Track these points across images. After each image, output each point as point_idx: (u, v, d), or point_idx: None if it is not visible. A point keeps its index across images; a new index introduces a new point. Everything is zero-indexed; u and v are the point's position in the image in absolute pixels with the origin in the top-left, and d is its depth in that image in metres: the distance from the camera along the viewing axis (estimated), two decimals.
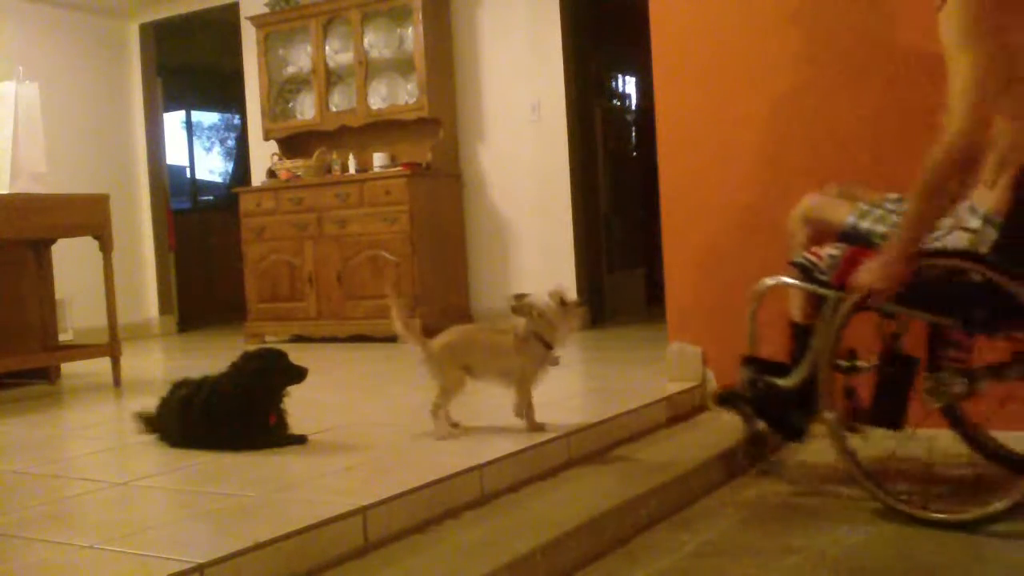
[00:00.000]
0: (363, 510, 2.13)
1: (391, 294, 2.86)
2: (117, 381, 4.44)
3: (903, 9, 3.29)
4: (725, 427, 3.14)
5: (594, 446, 2.95)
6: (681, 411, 3.41)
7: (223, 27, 7.51)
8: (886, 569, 2.21)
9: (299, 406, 3.25)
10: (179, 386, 2.99)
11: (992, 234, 2.32)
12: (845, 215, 2.63)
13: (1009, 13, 2.28)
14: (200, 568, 1.79)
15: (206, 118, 10.71)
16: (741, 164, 3.59)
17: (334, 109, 6.44)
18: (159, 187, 7.68)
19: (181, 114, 10.08)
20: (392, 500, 2.21)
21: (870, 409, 2.57)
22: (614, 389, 3.76)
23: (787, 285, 2.78)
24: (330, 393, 3.84)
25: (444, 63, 6.17)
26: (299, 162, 6.42)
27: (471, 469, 2.47)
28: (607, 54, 7.05)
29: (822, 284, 2.62)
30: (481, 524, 2.32)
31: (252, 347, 3.02)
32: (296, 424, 2.98)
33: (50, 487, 2.58)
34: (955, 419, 2.77)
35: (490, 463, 2.53)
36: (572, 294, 2.89)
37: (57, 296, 4.90)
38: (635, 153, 7.66)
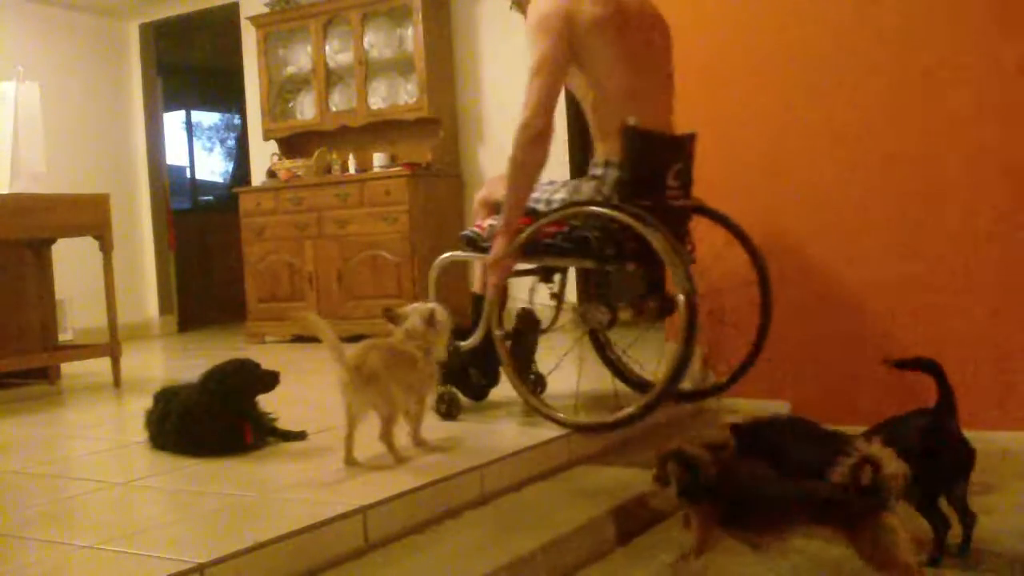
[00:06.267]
0: (363, 510, 2.13)
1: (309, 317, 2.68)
2: (117, 381, 4.44)
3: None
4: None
5: (595, 446, 2.95)
6: (682, 412, 3.40)
7: (223, 27, 7.51)
8: None
9: (299, 406, 3.25)
10: (158, 399, 2.95)
11: (614, 174, 2.77)
12: None
13: (573, 23, 2.74)
14: (200, 568, 1.79)
15: (206, 118, 10.70)
16: (740, 162, 3.58)
17: (334, 109, 6.44)
18: (159, 187, 7.68)
19: (181, 114, 10.07)
20: (392, 500, 2.21)
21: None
22: (611, 390, 3.73)
23: (457, 258, 3.13)
24: (330, 393, 3.83)
25: (444, 63, 6.17)
26: (299, 162, 6.42)
27: (471, 469, 2.47)
28: None
29: (485, 252, 2.91)
30: (481, 524, 2.32)
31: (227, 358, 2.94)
32: (296, 424, 2.98)
33: (50, 487, 2.58)
34: (599, 346, 3.31)
35: (490, 463, 2.53)
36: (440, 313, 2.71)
37: (57, 296, 4.90)
38: None
